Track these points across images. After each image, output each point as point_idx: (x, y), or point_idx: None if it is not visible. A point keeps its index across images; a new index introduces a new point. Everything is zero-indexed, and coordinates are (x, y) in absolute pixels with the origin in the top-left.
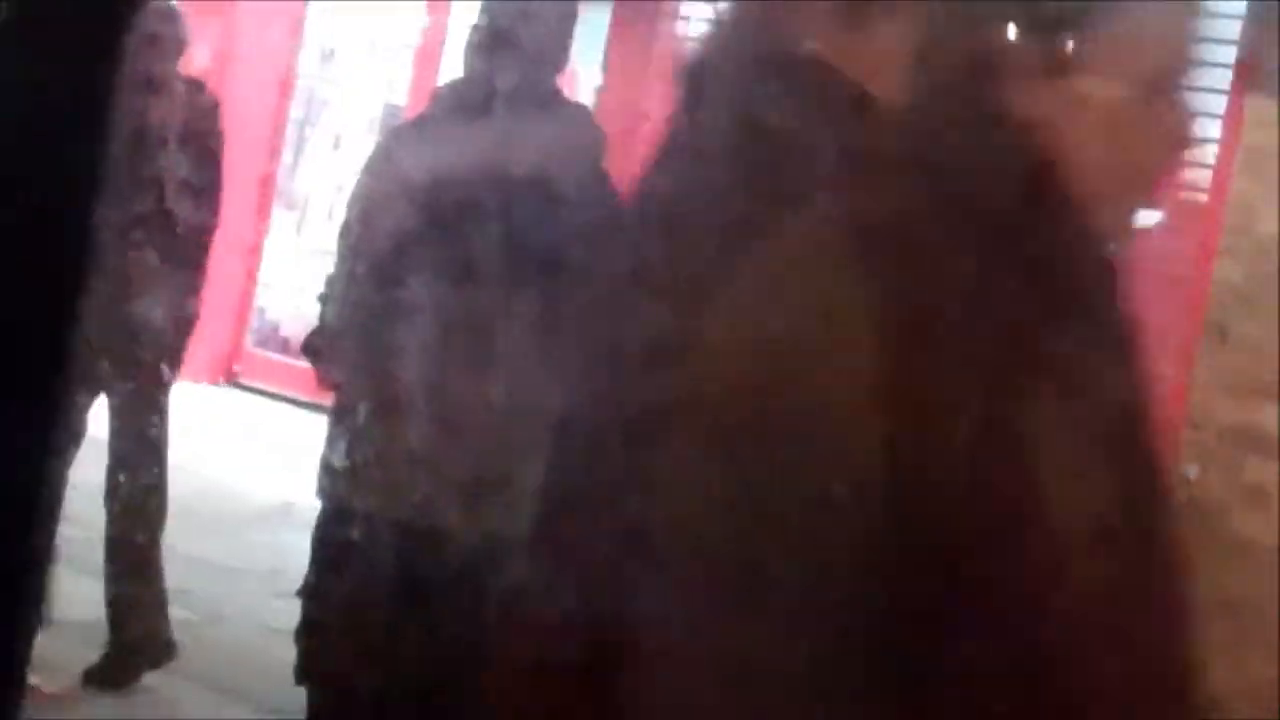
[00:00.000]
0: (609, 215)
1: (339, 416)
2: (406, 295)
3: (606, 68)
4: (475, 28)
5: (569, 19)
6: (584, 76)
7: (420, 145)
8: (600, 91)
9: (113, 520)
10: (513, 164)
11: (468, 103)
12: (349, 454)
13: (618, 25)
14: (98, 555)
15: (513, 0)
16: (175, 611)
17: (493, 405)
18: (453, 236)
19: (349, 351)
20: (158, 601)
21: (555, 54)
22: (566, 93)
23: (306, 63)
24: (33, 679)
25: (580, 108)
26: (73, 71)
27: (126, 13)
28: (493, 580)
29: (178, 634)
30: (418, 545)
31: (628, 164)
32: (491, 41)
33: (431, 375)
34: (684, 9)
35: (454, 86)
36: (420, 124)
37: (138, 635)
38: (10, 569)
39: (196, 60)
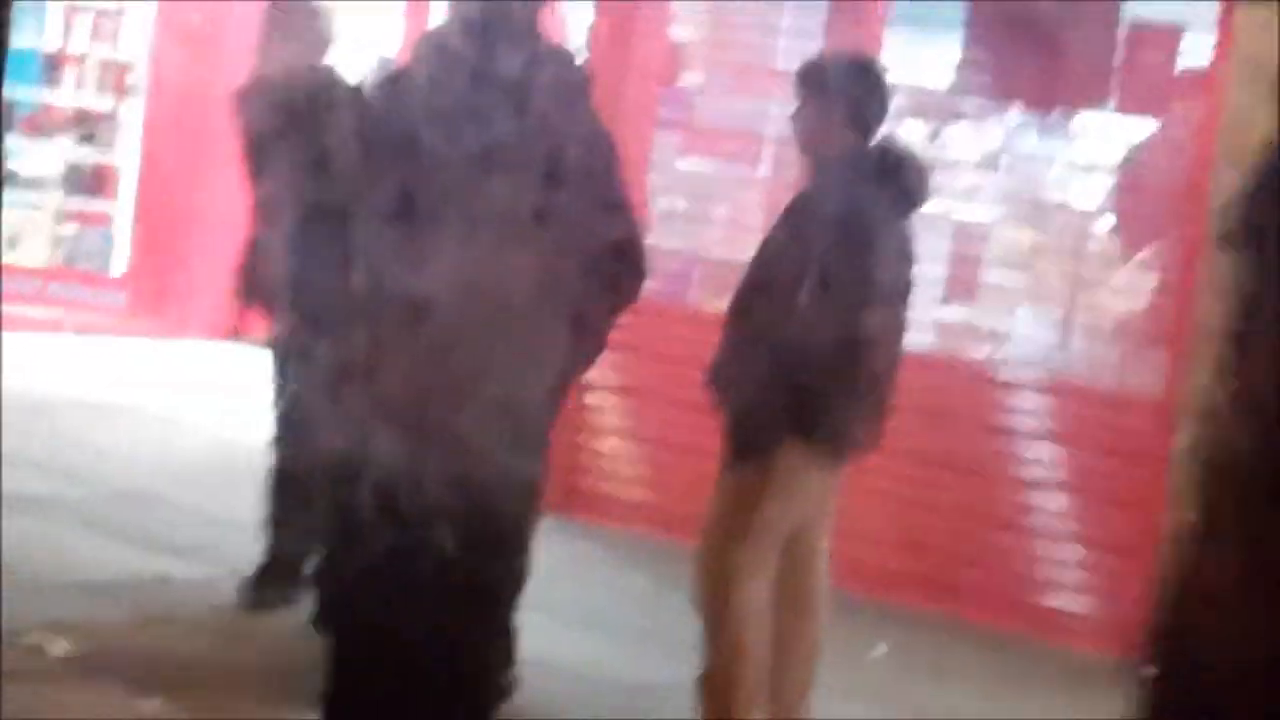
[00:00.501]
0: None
1: None
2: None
3: (597, 7)
4: None
5: None
6: (572, 14)
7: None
8: (591, 28)
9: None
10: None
11: (443, 42)
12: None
13: None
14: (106, 512)
15: None
16: (200, 568)
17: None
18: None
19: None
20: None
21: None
22: (556, 29)
23: None
24: (43, 639)
25: (558, 47)
26: None
27: None
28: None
29: (200, 592)
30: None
31: (610, 98)
32: None
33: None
34: None
35: (435, 30)
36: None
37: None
38: None
39: (190, 22)
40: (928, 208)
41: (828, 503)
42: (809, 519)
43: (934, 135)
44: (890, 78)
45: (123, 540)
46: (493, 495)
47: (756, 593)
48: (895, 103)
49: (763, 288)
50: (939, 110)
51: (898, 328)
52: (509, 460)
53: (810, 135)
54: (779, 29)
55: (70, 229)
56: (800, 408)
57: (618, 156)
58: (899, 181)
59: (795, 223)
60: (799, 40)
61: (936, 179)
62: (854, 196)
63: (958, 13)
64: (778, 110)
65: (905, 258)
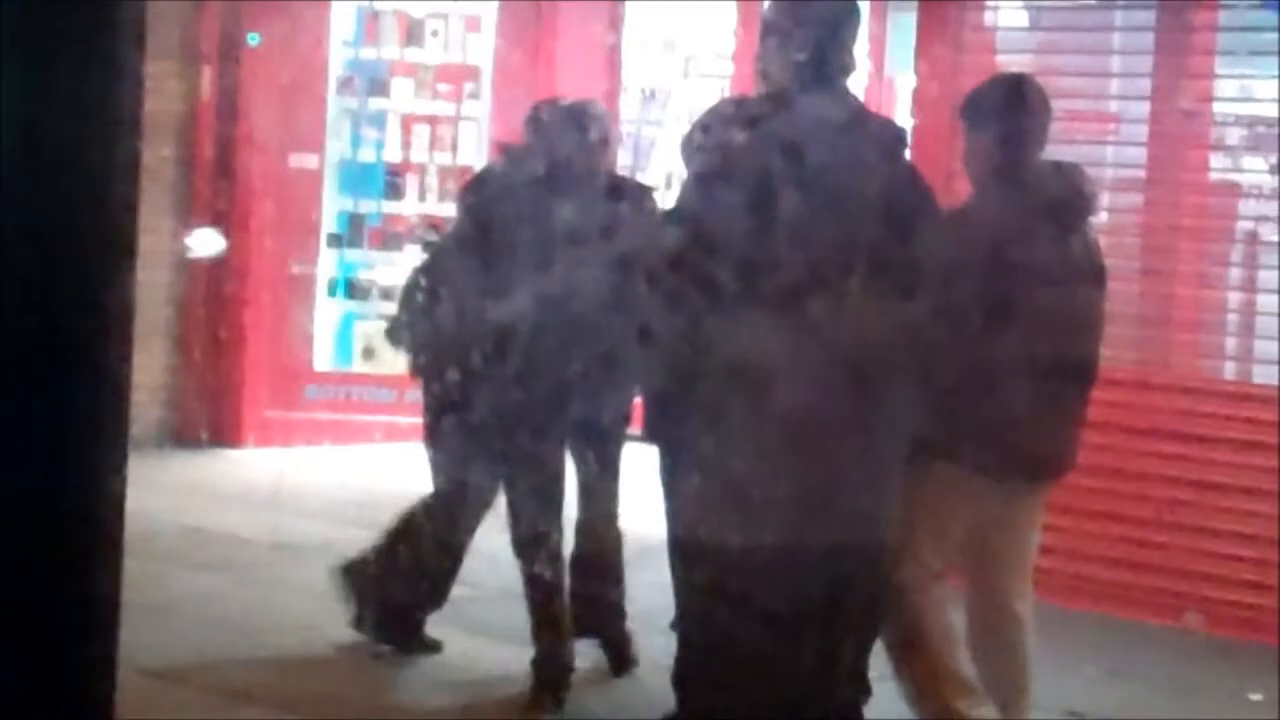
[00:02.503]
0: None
1: None
2: None
3: (919, 71)
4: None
5: (843, 23)
6: (899, 80)
7: None
8: (916, 92)
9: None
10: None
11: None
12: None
13: (926, 25)
14: (492, 613)
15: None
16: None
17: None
18: None
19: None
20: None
21: (833, 58)
22: (883, 95)
23: (629, 107)
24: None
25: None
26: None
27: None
28: None
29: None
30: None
31: (941, 159)
32: (766, 53)
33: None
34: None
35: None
36: None
37: None
38: None
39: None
40: (1276, 238)
41: (1008, 538)
42: (988, 553)
43: (1276, 166)
44: (1221, 108)
45: (503, 640)
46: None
47: (926, 598)
48: (1236, 135)
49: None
50: (1278, 140)
51: (1076, 347)
52: (870, 522)
53: (968, 164)
54: (1107, 71)
55: None
56: (949, 431)
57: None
58: (1054, 197)
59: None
60: (1129, 81)
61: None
62: (1004, 217)
63: None
64: (1113, 154)
65: (1077, 275)
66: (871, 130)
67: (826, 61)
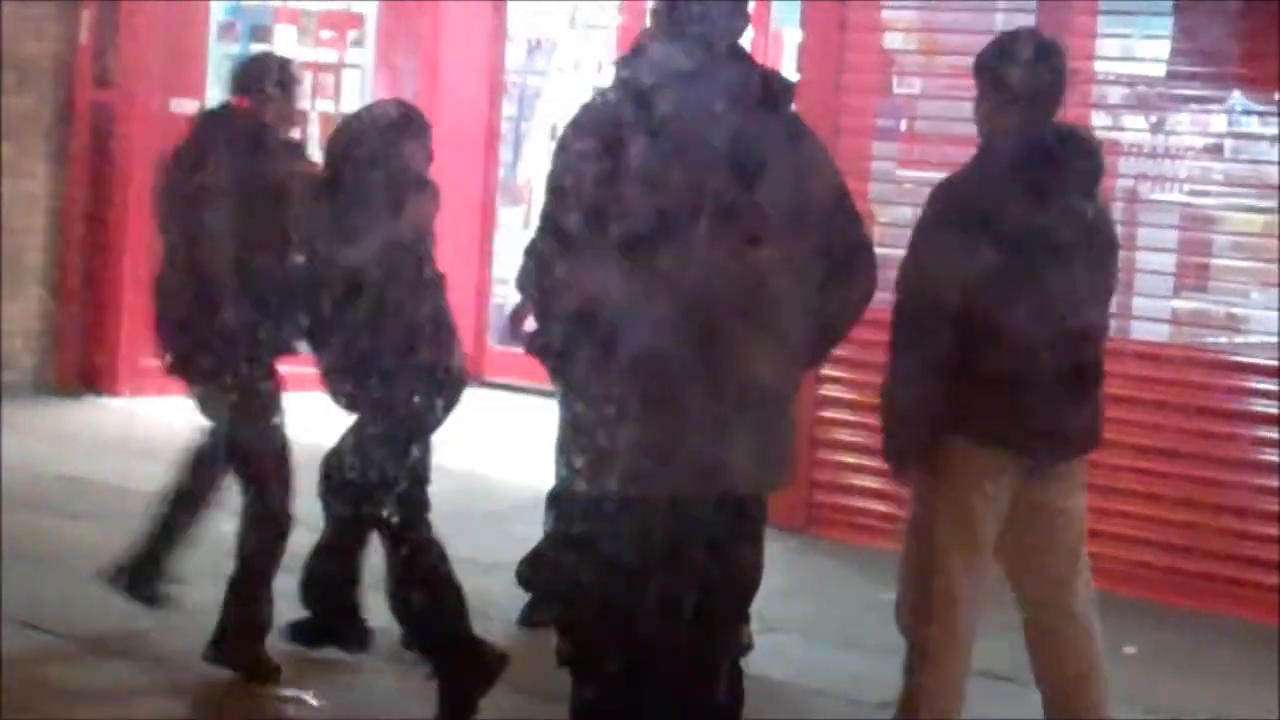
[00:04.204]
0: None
1: None
2: None
3: (805, 25)
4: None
5: None
6: (786, 36)
7: None
8: (802, 44)
9: None
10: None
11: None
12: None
13: None
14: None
15: None
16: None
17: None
18: None
19: None
20: None
21: (727, 20)
22: (769, 50)
23: (514, 58)
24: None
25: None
26: None
27: None
28: None
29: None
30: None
31: (827, 114)
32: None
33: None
34: None
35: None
36: None
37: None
38: None
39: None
40: (1156, 195)
41: (1041, 524)
42: (1023, 546)
43: (1157, 125)
44: (1102, 66)
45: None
46: (738, 490)
47: (955, 623)
48: (1117, 94)
49: (926, 285)
50: (1158, 99)
51: (1086, 316)
52: (759, 453)
53: (984, 123)
54: (991, 29)
55: None
56: (971, 405)
57: (835, 167)
58: (1066, 162)
59: (947, 212)
60: None
61: (1163, 168)
62: (1019, 180)
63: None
64: None
65: (1091, 241)
66: (757, 84)
67: (708, 18)
